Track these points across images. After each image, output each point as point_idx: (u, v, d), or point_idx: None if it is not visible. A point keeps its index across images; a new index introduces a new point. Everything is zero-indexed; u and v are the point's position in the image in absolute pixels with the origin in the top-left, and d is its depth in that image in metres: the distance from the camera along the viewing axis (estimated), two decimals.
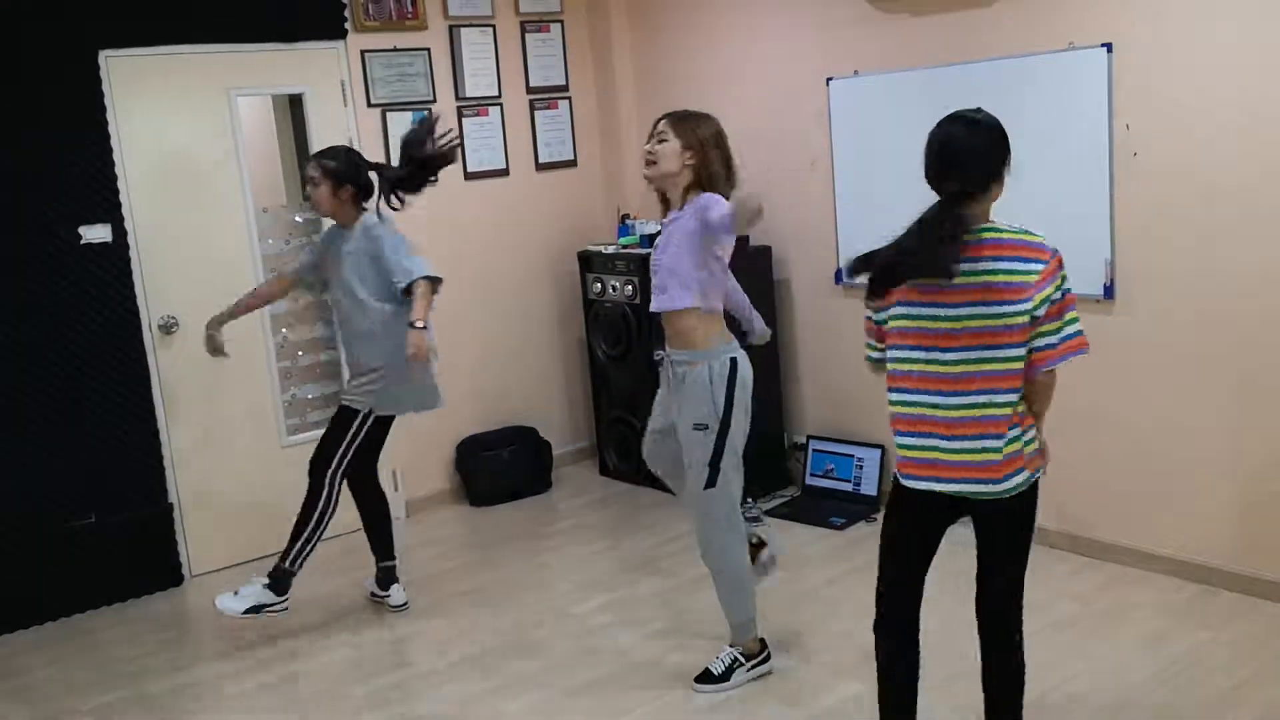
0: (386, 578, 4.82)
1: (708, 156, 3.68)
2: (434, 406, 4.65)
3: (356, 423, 4.50)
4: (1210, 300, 4.15)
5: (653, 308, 3.81)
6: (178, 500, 5.19)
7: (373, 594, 4.89)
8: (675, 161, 3.67)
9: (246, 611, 4.41)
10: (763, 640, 3.96)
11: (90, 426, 4.91)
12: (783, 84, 5.55)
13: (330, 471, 4.51)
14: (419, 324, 4.22)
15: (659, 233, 3.87)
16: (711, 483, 3.73)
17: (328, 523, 4.53)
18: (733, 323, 3.97)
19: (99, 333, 4.90)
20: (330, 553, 5.41)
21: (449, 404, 5.86)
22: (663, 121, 3.73)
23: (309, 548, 4.50)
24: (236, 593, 4.44)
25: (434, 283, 4.31)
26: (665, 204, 3.82)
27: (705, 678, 3.87)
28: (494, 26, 6.02)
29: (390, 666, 4.25)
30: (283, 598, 4.48)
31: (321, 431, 5.48)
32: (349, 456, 4.53)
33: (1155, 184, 4.24)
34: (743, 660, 3.91)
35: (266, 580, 4.46)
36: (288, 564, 4.48)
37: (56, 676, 4.38)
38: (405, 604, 4.80)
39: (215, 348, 4.69)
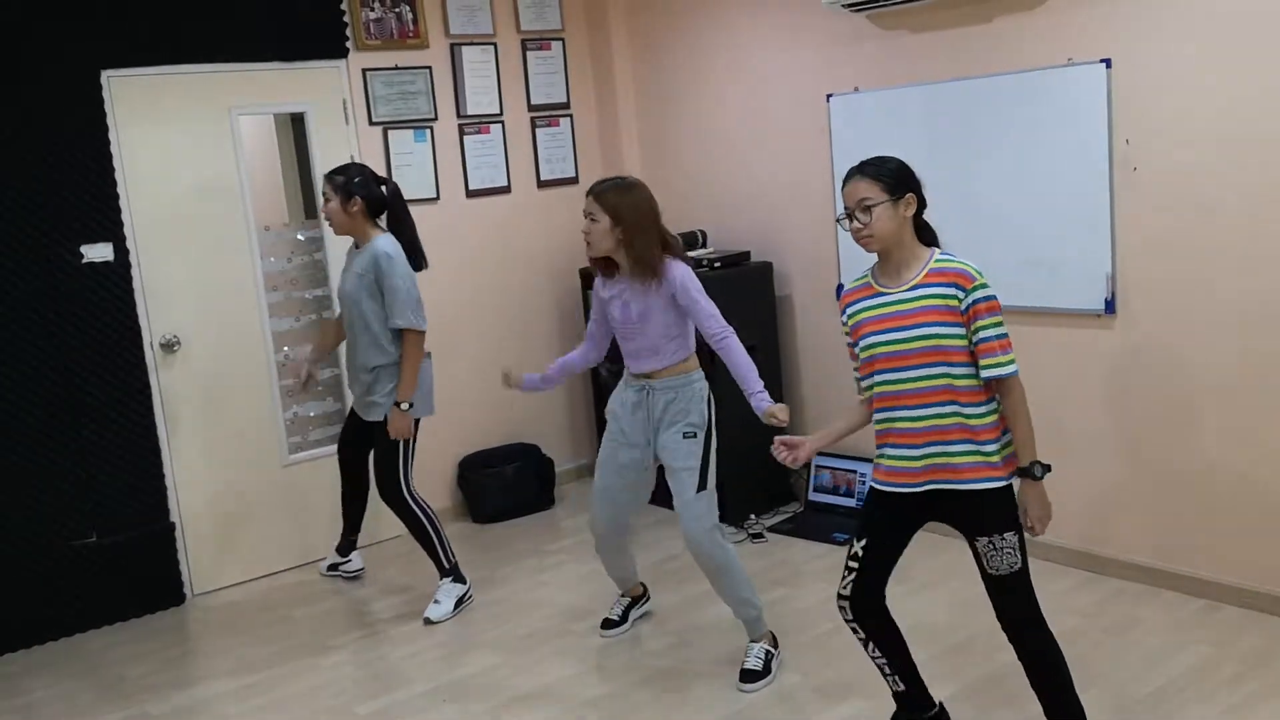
0: (350, 547, 5.34)
1: (631, 230, 3.86)
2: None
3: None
4: (1212, 313, 4.15)
5: (651, 368, 4.00)
6: (179, 519, 5.19)
7: (330, 567, 5.38)
8: (609, 239, 3.89)
9: (456, 607, 4.81)
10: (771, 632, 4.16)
11: (92, 445, 4.91)
12: (783, 100, 5.57)
13: (405, 494, 4.78)
14: (403, 405, 4.60)
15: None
16: (703, 485, 3.96)
17: (438, 522, 4.84)
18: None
19: (101, 351, 4.90)
20: (323, 576, 5.41)
21: (451, 421, 5.93)
22: (588, 199, 3.92)
23: (445, 545, 4.83)
24: (437, 601, 4.79)
25: (421, 335, 4.62)
26: (608, 265, 4.00)
27: (750, 677, 3.97)
28: (495, 45, 6.04)
29: (392, 685, 4.24)
30: (467, 583, 4.91)
31: (323, 449, 5.53)
32: (410, 467, 4.77)
33: (1156, 198, 4.24)
34: (772, 650, 4.05)
35: (448, 579, 4.83)
36: (447, 564, 4.83)
37: (59, 697, 4.37)
38: (362, 569, 5.37)
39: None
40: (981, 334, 3.00)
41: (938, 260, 3.07)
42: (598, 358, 4.32)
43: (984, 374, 3.01)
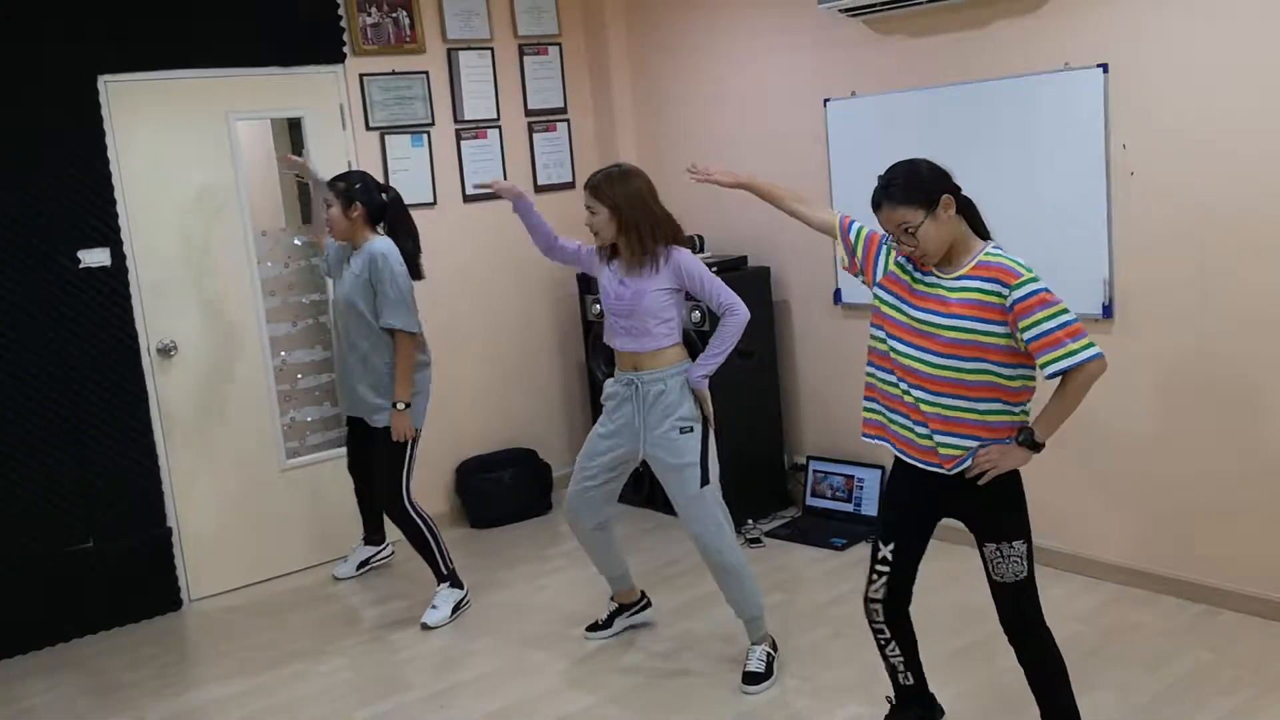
0: (381, 537, 5.42)
1: (629, 217, 3.96)
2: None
3: (406, 446, 4.72)
4: (1210, 318, 4.16)
5: (635, 349, 4.04)
6: (176, 525, 5.18)
7: (361, 564, 5.39)
8: (611, 228, 4.01)
9: (453, 613, 4.80)
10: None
11: (89, 451, 4.90)
12: (780, 105, 5.57)
13: (404, 504, 4.77)
14: (400, 406, 4.61)
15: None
16: (705, 480, 3.98)
17: (436, 530, 4.84)
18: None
19: (98, 357, 4.89)
20: (321, 581, 5.41)
21: (449, 426, 5.93)
22: (586, 193, 4.04)
23: (443, 551, 4.84)
24: (435, 607, 4.78)
25: (413, 336, 4.62)
26: (612, 249, 4.09)
27: (753, 678, 3.99)
28: (492, 49, 6.04)
29: (390, 690, 4.24)
30: (465, 589, 4.91)
31: (320, 454, 5.53)
32: (410, 478, 4.77)
33: (1153, 203, 4.25)
34: (772, 652, 4.06)
35: (445, 584, 4.83)
36: (445, 570, 4.83)
37: (57, 702, 4.36)
38: (393, 551, 5.49)
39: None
40: (1037, 329, 2.85)
41: (986, 254, 2.99)
42: (549, 244, 4.28)
43: (1049, 370, 2.87)
